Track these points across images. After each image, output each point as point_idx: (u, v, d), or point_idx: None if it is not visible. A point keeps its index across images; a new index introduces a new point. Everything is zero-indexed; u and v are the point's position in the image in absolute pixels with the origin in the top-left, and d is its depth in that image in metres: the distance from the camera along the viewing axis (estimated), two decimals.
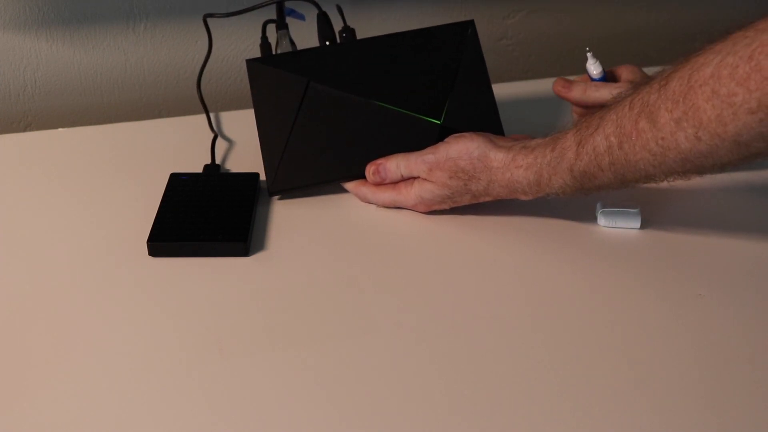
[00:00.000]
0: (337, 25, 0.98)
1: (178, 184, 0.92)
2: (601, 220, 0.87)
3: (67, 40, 1.12)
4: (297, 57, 0.95)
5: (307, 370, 0.70)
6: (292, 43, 0.99)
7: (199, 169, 0.96)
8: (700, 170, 0.71)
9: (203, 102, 1.06)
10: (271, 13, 0.99)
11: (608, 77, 0.95)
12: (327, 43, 0.96)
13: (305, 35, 1.00)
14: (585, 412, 0.66)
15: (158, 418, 0.66)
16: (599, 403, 0.67)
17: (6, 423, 0.65)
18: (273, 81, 0.93)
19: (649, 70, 0.74)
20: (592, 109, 0.91)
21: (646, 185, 0.77)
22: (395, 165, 0.89)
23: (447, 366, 0.71)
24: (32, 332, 0.74)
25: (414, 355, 0.72)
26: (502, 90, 1.04)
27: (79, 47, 1.13)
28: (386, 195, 0.90)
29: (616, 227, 0.86)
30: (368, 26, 1.13)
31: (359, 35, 0.98)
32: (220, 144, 1.03)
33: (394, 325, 0.75)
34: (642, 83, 0.73)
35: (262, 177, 0.93)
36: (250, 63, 0.94)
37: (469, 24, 0.97)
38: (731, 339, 0.73)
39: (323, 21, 0.96)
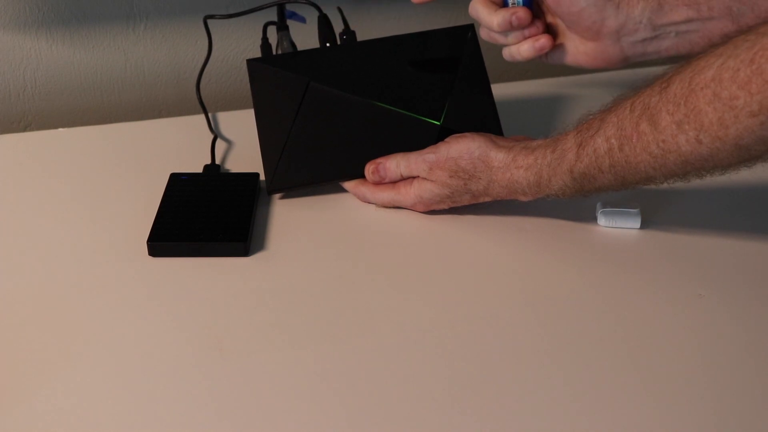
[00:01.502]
0: (338, 27, 0.98)
1: (178, 184, 0.92)
2: (601, 220, 0.87)
3: (67, 40, 1.12)
4: (297, 57, 0.95)
5: (307, 370, 0.70)
6: (292, 44, 0.99)
7: (199, 169, 0.96)
8: (701, 173, 0.71)
9: (202, 104, 1.06)
10: (272, 14, 0.99)
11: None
12: (327, 45, 0.97)
13: (306, 37, 1.00)
14: (584, 412, 0.66)
15: (158, 418, 0.66)
16: (599, 403, 0.67)
17: (5, 422, 0.65)
18: (273, 81, 0.93)
19: (649, 71, 0.74)
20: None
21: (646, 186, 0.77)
22: (395, 164, 0.89)
23: (447, 365, 0.71)
24: (32, 332, 0.74)
25: (414, 355, 0.72)
26: (502, 90, 1.04)
27: (79, 47, 1.13)
28: (385, 194, 0.90)
29: (616, 227, 0.86)
30: (369, 28, 1.13)
31: (360, 37, 0.98)
32: (220, 144, 1.03)
33: (394, 325, 0.75)
34: (643, 85, 0.73)
35: (262, 177, 0.93)
36: (251, 62, 0.94)
37: (469, 27, 0.97)
38: (731, 339, 0.73)
39: (324, 23, 0.97)
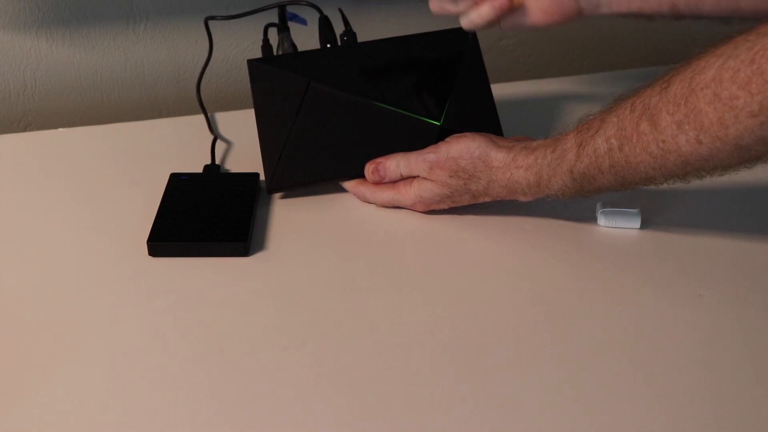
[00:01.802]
0: (339, 29, 0.97)
1: (178, 184, 0.92)
2: (601, 220, 0.87)
3: (67, 40, 1.12)
4: (298, 58, 0.95)
5: (307, 370, 0.70)
6: (293, 46, 0.99)
7: (199, 169, 0.96)
8: (701, 173, 0.71)
9: (202, 105, 1.06)
10: (273, 16, 0.99)
11: None
12: (328, 45, 0.97)
13: (307, 39, 1.00)
14: (585, 412, 0.66)
15: (158, 418, 0.66)
16: (599, 403, 0.67)
17: (5, 422, 0.65)
18: (274, 81, 0.93)
19: (650, 71, 0.74)
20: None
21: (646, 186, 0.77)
22: (395, 164, 0.89)
23: (447, 365, 0.71)
24: (32, 332, 0.74)
25: (413, 355, 0.72)
26: (502, 90, 1.04)
27: (79, 47, 1.13)
28: (385, 194, 0.90)
29: (616, 227, 0.86)
30: (369, 28, 1.13)
31: (360, 37, 0.98)
32: (220, 144, 1.03)
33: (394, 324, 0.75)
34: (643, 85, 0.73)
35: (262, 177, 0.93)
36: (252, 63, 0.94)
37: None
38: (731, 339, 0.73)
39: (325, 24, 0.97)
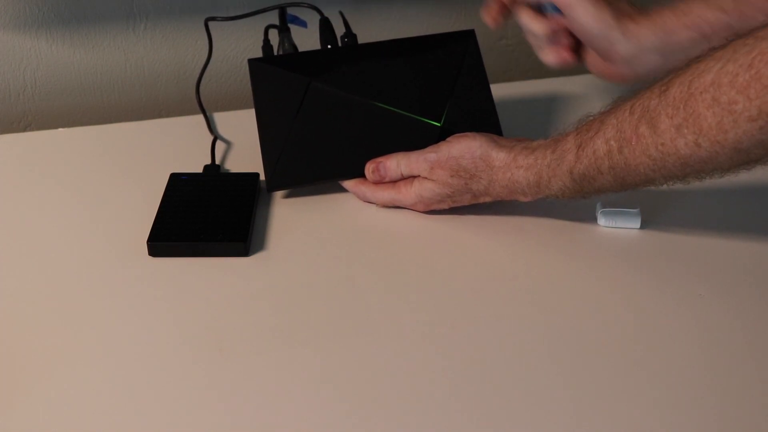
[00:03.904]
0: (339, 32, 0.97)
1: (178, 184, 0.92)
2: (601, 220, 0.87)
3: (67, 40, 1.12)
4: (299, 57, 0.95)
5: (306, 370, 0.70)
6: (294, 47, 0.99)
7: (199, 169, 0.96)
8: (700, 175, 0.71)
9: (202, 107, 1.06)
10: (273, 17, 0.99)
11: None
12: (329, 47, 0.97)
13: (307, 40, 1.00)
14: (584, 412, 0.66)
15: (158, 418, 0.66)
16: (598, 404, 0.67)
17: (5, 422, 0.65)
18: (274, 80, 0.93)
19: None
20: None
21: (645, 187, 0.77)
22: (395, 163, 0.89)
23: (447, 366, 0.71)
24: (31, 332, 0.74)
25: (414, 355, 0.72)
26: (502, 90, 1.04)
27: (79, 47, 1.13)
28: (386, 194, 0.90)
29: (616, 227, 0.86)
30: (370, 31, 1.13)
31: (360, 39, 0.98)
32: (220, 144, 1.03)
33: (394, 324, 0.75)
34: (643, 87, 0.73)
35: (262, 177, 0.93)
36: (252, 62, 0.94)
37: (470, 33, 0.97)
38: (731, 339, 0.73)
39: (325, 26, 0.96)
